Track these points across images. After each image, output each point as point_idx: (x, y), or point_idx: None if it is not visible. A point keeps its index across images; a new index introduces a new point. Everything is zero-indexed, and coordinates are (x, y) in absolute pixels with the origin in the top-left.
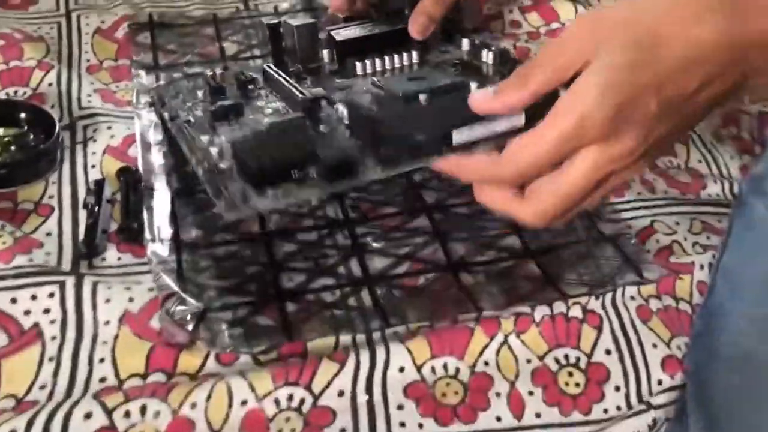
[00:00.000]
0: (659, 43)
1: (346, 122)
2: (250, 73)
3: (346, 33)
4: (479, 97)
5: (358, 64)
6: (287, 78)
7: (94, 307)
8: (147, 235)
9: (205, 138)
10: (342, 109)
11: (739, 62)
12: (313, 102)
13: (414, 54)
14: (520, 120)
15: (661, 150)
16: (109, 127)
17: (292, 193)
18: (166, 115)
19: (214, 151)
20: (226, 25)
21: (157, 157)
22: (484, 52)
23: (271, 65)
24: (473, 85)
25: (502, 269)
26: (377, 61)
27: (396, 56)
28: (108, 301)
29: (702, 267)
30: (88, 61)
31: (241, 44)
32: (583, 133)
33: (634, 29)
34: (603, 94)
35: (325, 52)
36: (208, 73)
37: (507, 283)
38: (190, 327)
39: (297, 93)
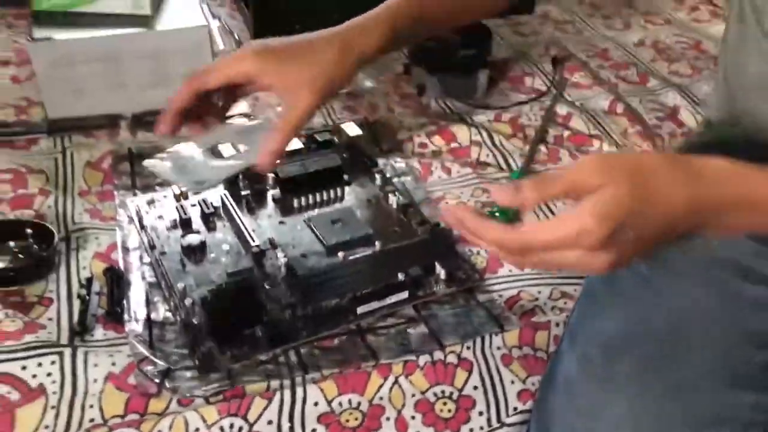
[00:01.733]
0: (648, 197)
1: (283, 273)
2: (212, 203)
3: (288, 170)
4: (502, 189)
5: (295, 200)
6: (239, 215)
7: (86, 369)
8: (125, 316)
9: (176, 275)
10: (282, 260)
11: (696, 220)
12: (260, 254)
13: (338, 190)
14: (405, 294)
15: (626, 261)
16: (96, 238)
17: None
18: (144, 239)
19: (188, 302)
20: None
21: (135, 259)
22: (391, 196)
23: (227, 191)
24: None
25: (399, 330)
26: (310, 196)
27: (324, 192)
28: (96, 365)
29: (558, 324)
30: (80, 187)
31: None
32: (579, 241)
33: (634, 177)
34: (604, 220)
35: (270, 177)
36: (176, 191)
37: (401, 339)
38: (157, 380)
39: (249, 238)
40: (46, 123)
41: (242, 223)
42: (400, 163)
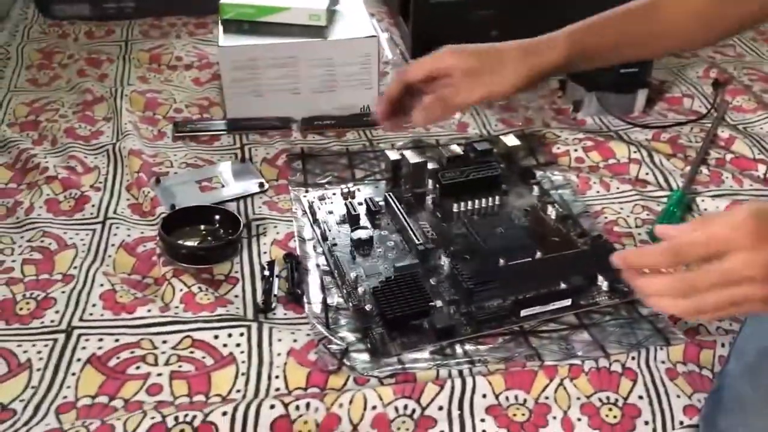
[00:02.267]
0: None
1: (447, 272)
2: (378, 201)
3: (449, 176)
4: (663, 229)
5: (455, 205)
6: (403, 213)
7: (270, 343)
8: (305, 298)
9: (347, 265)
10: (445, 259)
11: None
12: (425, 252)
13: (497, 198)
14: (568, 302)
15: None
16: (275, 227)
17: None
18: (317, 231)
19: (360, 290)
20: (355, 157)
21: (309, 248)
22: (549, 207)
23: (391, 193)
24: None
25: (561, 335)
26: (469, 202)
27: (483, 199)
28: (279, 340)
29: (723, 345)
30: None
31: (367, 171)
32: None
33: None
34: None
35: (430, 182)
36: (344, 189)
37: (565, 345)
38: (338, 358)
39: (414, 237)
40: (226, 122)
41: (407, 222)
42: (557, 176)
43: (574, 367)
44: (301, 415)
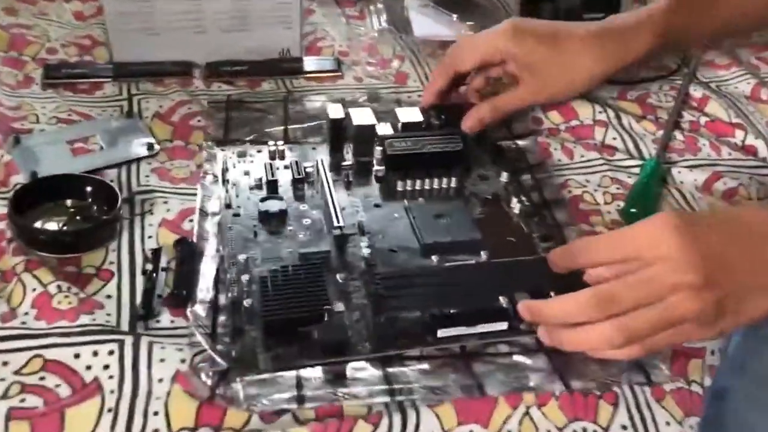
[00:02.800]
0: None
1: (363, 268)
2: (307, 167)
3: (398, 146)
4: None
5: (399, 182)
6: (332, 187)
7: (150, 365)
8: (195, 298)
9: (242, 244)
10: (365, 250)
11: None
12: (342, 238)
13: (453, 179)
14: (504, 326)
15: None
16: (165, 202)
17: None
18: (223, 196)
19: (245, 278)
20: (294, 108)
21: (212, 226)
22: (514, 200)
23: (327, 158)
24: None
25: (512, 361)
26: (417, 181)
27: (436, 179)
28: (162, 360)
29: (713, 352)
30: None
31: (305, 129)
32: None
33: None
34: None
35: (378, 150)
36: (272, 148)
37: (516, 373)
38: (210, 383)
39: (335, 217)
40: (111, 66)
41: (332, 197)
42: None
43: (542, 392)
44: None
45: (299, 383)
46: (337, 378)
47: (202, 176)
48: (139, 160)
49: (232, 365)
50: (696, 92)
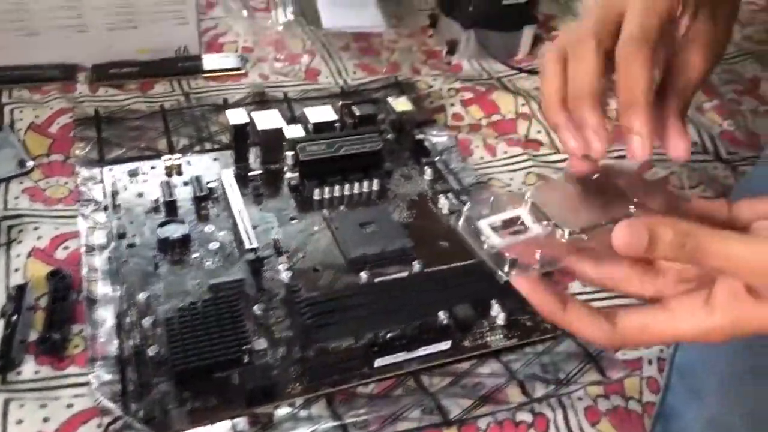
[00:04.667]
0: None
1: (283, 294)
2: (209, 182)
3: (311, 150)
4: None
5: (316, 191)
6: (240, 203)
7: (5, 427)
8: (89, 353)
9: (141, 280)
10: (284, 273)
11: None
12: (257, 262)
13: (375, 182)
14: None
15: None
16: (36, 228)
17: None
18: (114, 225)
19: (146, 322)
20: (174, 118)
21: (101, 262)
22: (441, 198)
23: (231, 175)
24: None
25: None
26: (336, 188)
27: (356, 184)
28: (20, 422)
29: (650, 362)
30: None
31: (192, 137)
32: None
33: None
34: None
35: (289, 155)
36: (167, 162)
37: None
38: None
39: (246, 238)
40: None
41: (241, 215)
42: (440, 137)
43: (466, 425)
44: None
45: None
46: (268, 427)
47: (82, 204)
48: (8, 179)
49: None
50: None
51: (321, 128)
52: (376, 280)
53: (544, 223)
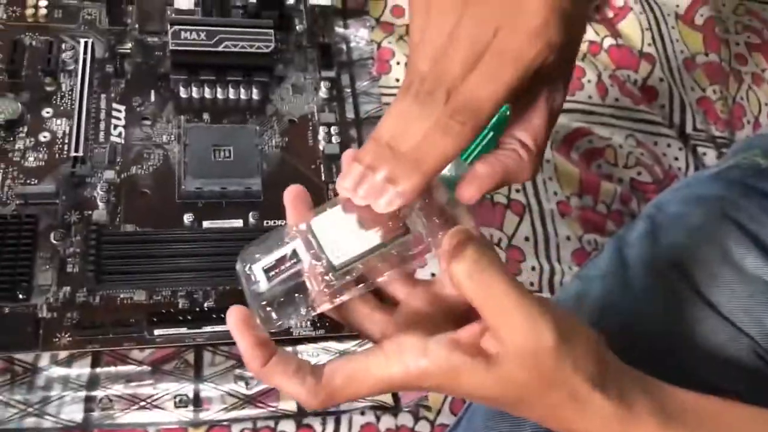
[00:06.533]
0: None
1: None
2: (65, 51)
3: (186, 37)
4: None
5: (183, 89)
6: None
7: None
8: None
9: None
10: (101, 196)
11: None
12: (75, 177)
13: (255, 91)
14: None
15: None
16: None
17: None
18: None
19: None
20: None
21: None
22: (322, 130)
23: (90, 46)
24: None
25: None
26: (206, 89)
27: (232, 89)
28: None
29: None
30: None
31: None
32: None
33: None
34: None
35: (169, 43)
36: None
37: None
38: None
39: (74, 142)
40: None
41: (81, 107)
42: (359, 41)
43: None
44: None
45: None
46: (18, 377)
47: None
48: None
49: None
50: None
51: (211, 6)
52: (203, 225)
53: (312, 251)
